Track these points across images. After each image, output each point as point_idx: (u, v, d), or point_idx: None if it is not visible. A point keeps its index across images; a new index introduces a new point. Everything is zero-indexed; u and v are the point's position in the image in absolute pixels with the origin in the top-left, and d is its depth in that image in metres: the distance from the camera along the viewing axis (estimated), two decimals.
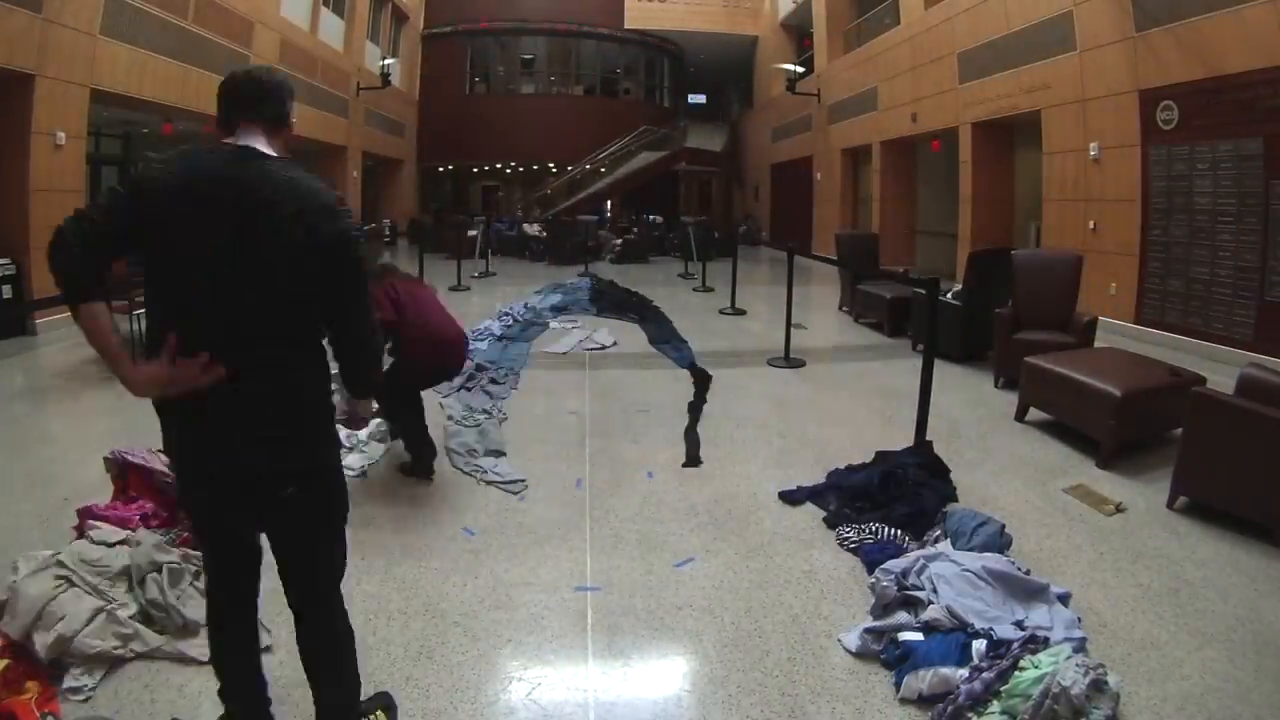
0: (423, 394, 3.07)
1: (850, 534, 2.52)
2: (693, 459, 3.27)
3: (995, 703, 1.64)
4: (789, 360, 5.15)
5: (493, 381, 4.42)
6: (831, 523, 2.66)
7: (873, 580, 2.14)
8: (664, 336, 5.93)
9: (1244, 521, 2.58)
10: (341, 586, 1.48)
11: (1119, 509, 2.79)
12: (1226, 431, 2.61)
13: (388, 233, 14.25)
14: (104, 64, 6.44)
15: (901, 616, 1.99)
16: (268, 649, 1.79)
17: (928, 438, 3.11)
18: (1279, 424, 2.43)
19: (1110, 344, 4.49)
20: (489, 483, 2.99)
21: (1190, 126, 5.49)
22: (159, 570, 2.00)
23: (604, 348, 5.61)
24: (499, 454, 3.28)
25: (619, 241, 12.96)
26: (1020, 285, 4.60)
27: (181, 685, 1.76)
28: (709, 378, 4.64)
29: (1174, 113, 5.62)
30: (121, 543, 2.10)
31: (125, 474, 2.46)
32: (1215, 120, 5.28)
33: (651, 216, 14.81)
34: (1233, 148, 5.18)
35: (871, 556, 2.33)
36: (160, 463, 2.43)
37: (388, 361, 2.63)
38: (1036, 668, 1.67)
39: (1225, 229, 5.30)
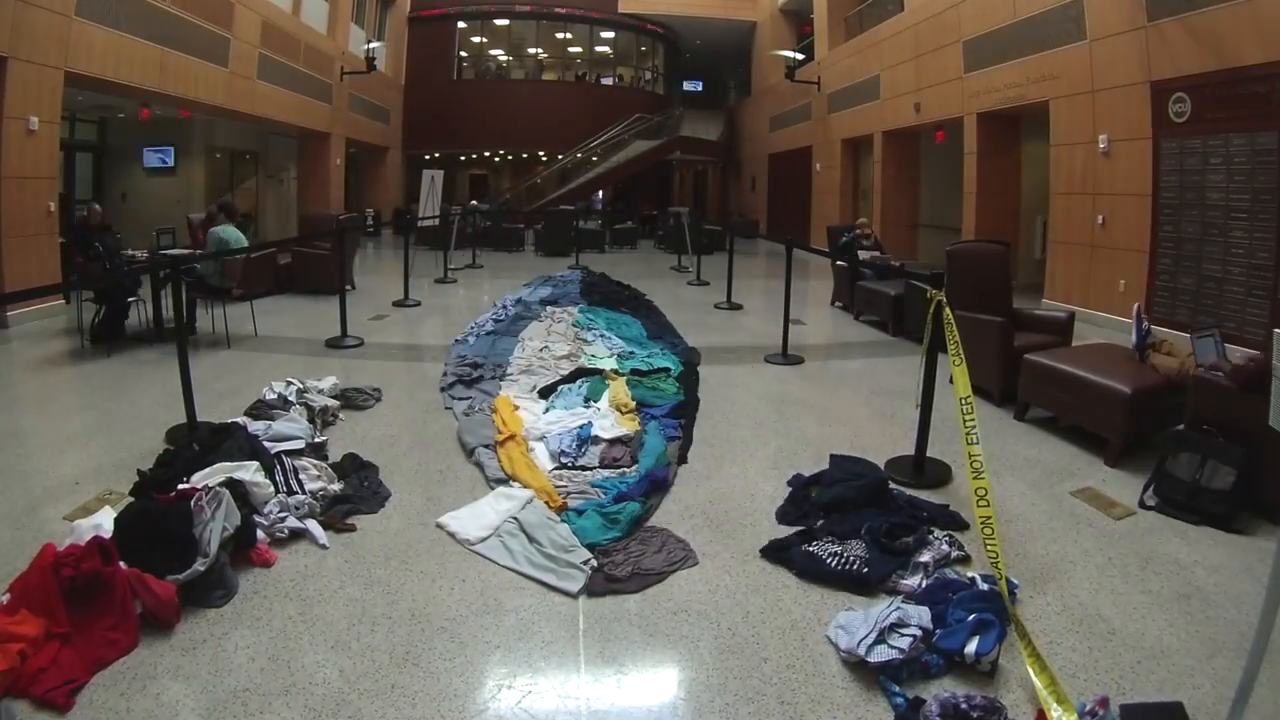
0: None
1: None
2: (681, 457, 3.19)
3: None
4: (787, 357, 5.07)
5: (480, 378, 4.33)
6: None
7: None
8: (658, 331, 5.82)
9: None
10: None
11: (1129, 513, 2.74)
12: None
13: (370, 223, 13.90)
14: (79, 46, 6.25)
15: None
16: None
17: (930, 438, 3.03)
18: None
19: (1120, 343, 4.41)
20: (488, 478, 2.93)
21: (1203, 119, 5.38)
22: None
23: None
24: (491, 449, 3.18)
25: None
26: (956, 277, 4.25)
27: (158, 694, 1.70)
28: (698, 374, 4.53)
29: (1186, 105, 5.51)
30: None
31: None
32: (1229, 113, 5.18)
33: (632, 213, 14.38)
34: (1246, 142, 5.08)
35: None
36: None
37: None
38: None
39: (1239, 225, 5.21)
